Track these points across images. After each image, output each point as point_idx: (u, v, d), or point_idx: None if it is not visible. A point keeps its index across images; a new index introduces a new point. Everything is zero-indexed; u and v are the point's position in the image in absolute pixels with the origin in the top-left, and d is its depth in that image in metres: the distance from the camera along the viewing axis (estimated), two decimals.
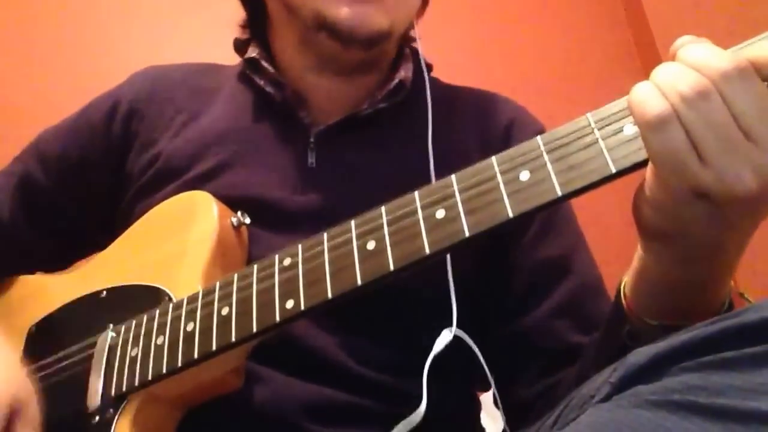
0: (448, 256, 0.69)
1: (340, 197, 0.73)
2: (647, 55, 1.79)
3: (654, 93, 0.44)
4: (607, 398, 0.45)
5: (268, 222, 0.72)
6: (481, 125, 0.82)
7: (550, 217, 0.78)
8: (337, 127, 0.78)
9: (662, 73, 0.45)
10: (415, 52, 0.86)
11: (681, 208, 0.47)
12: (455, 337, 0.65)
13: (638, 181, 0.51)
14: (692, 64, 0.45)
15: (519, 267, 0.77)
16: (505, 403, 0.72)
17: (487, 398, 0.79)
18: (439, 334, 0.67)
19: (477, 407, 0.82)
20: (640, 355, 0.45)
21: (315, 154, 0.77)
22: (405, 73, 0.81)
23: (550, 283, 0.75)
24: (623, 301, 0.58)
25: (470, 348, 0.66)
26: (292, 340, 0.68)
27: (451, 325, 0.68)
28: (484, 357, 0.67)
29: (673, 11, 1.70)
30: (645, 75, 0.48)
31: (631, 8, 1.84)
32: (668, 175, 0.45)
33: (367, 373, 0.69)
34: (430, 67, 0.87)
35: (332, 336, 0.70)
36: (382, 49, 0.79)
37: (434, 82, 0.86)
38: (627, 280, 0.58)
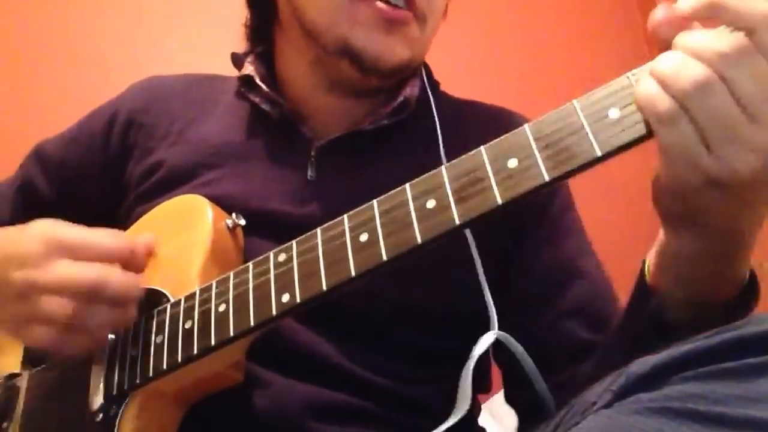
0: (476, 258, 0.69)
1: (339, 211, 0.73)
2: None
3: (659, 90, 0.45)
4: (608, 405, 0.46)
5: (266, 234, 0.72)
6: (487, 141, 0.82)
7: (557, 222, 0.79)
8: (338, 141, 0.78)
9: (664, 66, 0.46)
10: (423, 69, 0.85)
11: (696, 195, 0.48)
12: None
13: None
14: (692, 52, 0.45)
15: (527, 272, 0.77)
16: (517, 403, 0.73)
17: (491, 400, 0.80)
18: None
19: (476, 410, 0.82)
20: (641, 364, 0.45)
21: (315, 167, 0.77)
22: (411, 90, 0.81)
23: (560, 287, 0.76)
24: (648, 279, 0.59)
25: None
26: (293, 345, 0.69)
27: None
28: (500, 358, 0.68)
29: None
30: None
31: (645, 13, 1.82)
32: (679, 167, 0.47)
33: (367, 377, 0.70)
34: (436, 84, 0.87)
35: (333, 342, 0.70)
36: (397, 78, 0.80)
37: (442, 97, 0.86)
38: (650, 260, 0.59)
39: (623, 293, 0.65)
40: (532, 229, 0.78)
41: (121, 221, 0.80)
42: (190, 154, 0.79)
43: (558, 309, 0.75)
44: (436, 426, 0.62)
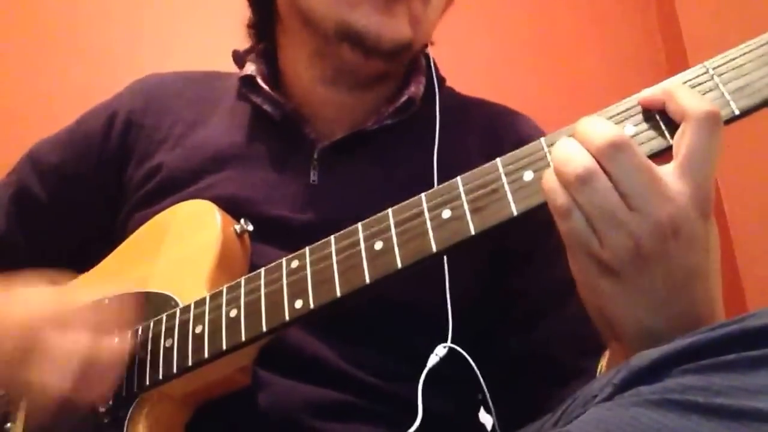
0: (446, 272, 0.70)
1: (341, 214, 0.72)
2: (675, 66, 1.74)
3: (556, 183, 0.47)
4: (609, 398, 0.46)
5: (269, 238, 0.72)
6: (490, 142, 0.80)
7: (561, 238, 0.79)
8: (341, 143, 0.77)
9: (558, 154, 0.48)
10: (429, 65, 0.85)
11: (596, 286, 0.49)
12: (451, 348, 0.66)
13: None
14: (582, 139, 0.47)
15: (529, 285, 0.77)
16: (505, 410, 0.73)
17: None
18: (435, 345, 0.68)
19: (475, 407, 0.82)
20: (642, 357, 0.45)
21: (317, 170, 0.77)
22: (415, 88, 0.80)
23: (560, 301, 0.75)
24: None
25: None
26: (292, 348, 0.69)
27: (446, 337, 0.69)
28: (484, 370, 0.68)
29: (708, 21, 1.65)
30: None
31: (663, 16, 1.78)
32: (577, 256, 0.49)
33: (366, 378, 0.70)
34: (442, 81, 0.85)
35: (332, 344, 0.70)
36: (402, 61, 0.79)
37: (448, 94, 0.85)
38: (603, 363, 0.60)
39: None
40: (543, 239, 0.78)
41: (121, 226, 0.80)
42: (191, 158, 0.79)
43: (556, 322, 0.75)
44: (433, 422, 0.63)
